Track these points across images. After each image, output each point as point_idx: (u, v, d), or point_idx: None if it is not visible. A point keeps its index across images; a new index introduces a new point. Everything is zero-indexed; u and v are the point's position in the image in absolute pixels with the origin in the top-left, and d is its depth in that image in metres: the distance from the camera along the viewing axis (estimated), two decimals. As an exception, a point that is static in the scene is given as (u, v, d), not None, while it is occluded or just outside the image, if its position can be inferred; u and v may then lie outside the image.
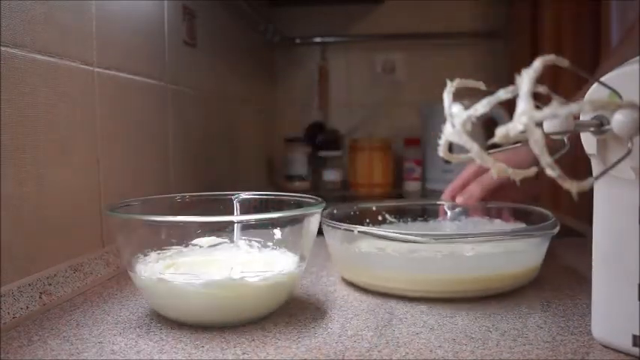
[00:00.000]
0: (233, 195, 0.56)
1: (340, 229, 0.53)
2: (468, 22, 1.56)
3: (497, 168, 0.30)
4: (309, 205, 0.50)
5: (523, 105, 0.28)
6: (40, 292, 0.49)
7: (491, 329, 0.42)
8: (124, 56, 0.69)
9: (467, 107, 0.32)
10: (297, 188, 1.46)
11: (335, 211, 0.62)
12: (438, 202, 0.68)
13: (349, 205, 0.66)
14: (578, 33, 1.24)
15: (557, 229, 0.51)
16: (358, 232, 0.51)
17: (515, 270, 0.51)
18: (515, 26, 1.46)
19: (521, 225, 0.60)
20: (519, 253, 0.51)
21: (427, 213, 0.68)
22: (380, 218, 0.67)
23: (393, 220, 0.67)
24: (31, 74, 0.51)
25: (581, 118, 0.36)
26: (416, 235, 0.48)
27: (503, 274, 0.50)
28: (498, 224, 0.63)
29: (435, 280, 0.49)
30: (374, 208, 0.68)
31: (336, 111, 1.65)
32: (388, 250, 0.50)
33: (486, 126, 1.34)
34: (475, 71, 1.55)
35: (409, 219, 0.68)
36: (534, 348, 0.39)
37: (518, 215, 0.62)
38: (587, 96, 0.37)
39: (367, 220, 0.66)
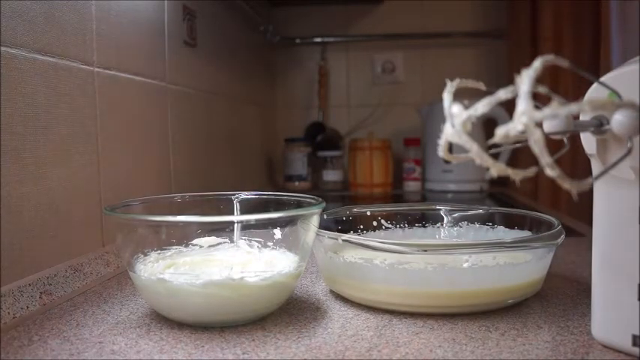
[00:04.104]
0: (233, 195, 0.56)
1: (324, 236, 0.49)
2: (468, 22, 1.56)
3: (496, 168, 0.30)
4: (309, 205, 0.50)
5: (523, 105, 0.28)
6: (40, 292, 0.49)
7: (491, 329, 0.42)
8: (124, 56, 0.69)
9: (467, 107, 0.32)
10: (297, 188, 1.46)
11: (325, 216, 0.58)
12: (438, 207, 0.64)
13: (342, 209, 0.63)
14: (578, 33, 1.24)
15: (561, 239, 0.47)
16: (342, 240, 0.48)
17: (516, 283, 0.46)
18: (515, 26, 1.46)
19: (527, 233, 0.56)
20: (521, 264, 0.47)
21: (426, 218, 0.64)
22: (375, 224, 0.63)
23: (389, 226, 0.63)
24: (31, 74, 0.51)
25: (581, 118, 0.36)
26: (402, 244, 0.44)
27: (502, 288, 0.46)
28: (501, 232, 0.59)
29: (425, 294, 0.45)
30: (368, 213, 0.63)
31: (336, 111, 1.65)
32: (376, 261, 0.46)
33: (486, 126, 1.34)
34: (475, 71, 1.55)
35: (406, 225, 0.64)
36: (534, 348, 0.39)
37: (525, 223, 0.57)
38: (586, 96, 0.37)
39: (360, 226, 0.62)
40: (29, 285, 0.49)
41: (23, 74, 0.50)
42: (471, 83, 0.37)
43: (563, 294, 0.51)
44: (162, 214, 0.54)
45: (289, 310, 0.47)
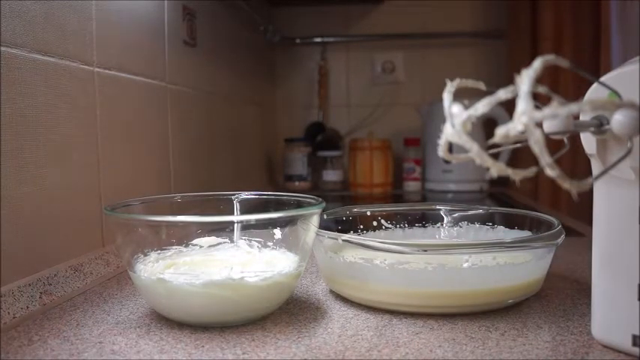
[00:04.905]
0: (233, 195, 0.56)
1: (324, 236, 0.49)
2: (468, 22, 1.56)
3: (496, 168, 0.30)
4: (309, 205, 0.50)
5: (523, 105, 0.28)
6: (40, 292, 0.49)
7: (491, 329, 0.42)
8: (124, 56, 0.69)
9: (467, 107, 0.32)
10: (297, 188, 1.46)
11: (325, 216, 0.58)
12: (438, 207, 0.64)
13: (342, 209, 0.63)
14: (578, 33, 1.24)
15: (561, 239, 0.47)
16: (342, 240, 0.47)
17: (516, 283, 0.46)
18: (515, 26, 1.46)
19: (527, 233, 0.56)
20: (521, 264, 0.46)
21: (426, 218, 0.64)
22: (375, 224, 0.63)
23: (389, 226, 0.63)
24: (31, 74, 0.51)
25: (581, 118, 0.36)
26: (402, 244, 0.44)
27: (502, 288, 0.46)
28: (501, 232, 0.59)
29: (425, 294, 0.45)
30: (368, 213, 0.63)
31: (336, 111, 1.65)
32: (376, 261, 0.46)
33: (486, 126, 1.34)
34: (475, 71, 1.55)
35: (406, 225, 0.64)
36: (534, 348, 0.39)
37: (525, 223, 0.57)
38: (586, 96, 0.37)
39: (361, 226, 0.62)
40: (29, 285, 0.49)
41: (23, 74, 0.50)
42: (471, 83, 0.37)
43: (563, 294, 0.51)
44: (163, 214, 0.54)
45: (289, 310, 0.47)
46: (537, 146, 0.28)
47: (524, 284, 0.47)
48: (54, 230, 0.54)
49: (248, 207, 0.56)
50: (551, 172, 0.29)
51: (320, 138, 1.55)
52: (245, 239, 0.51)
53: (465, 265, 0.46)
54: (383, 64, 1.61)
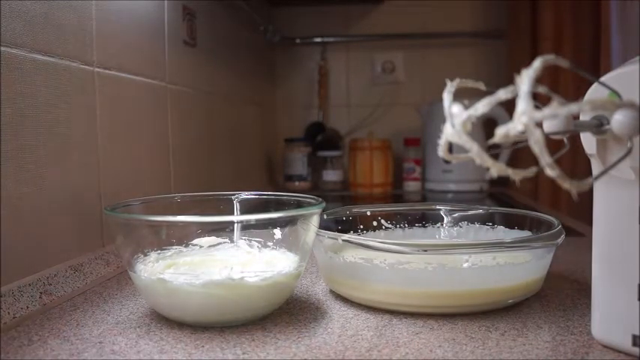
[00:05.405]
0: (233, 195, 0.56)
1: (324, 236, 0.49)
2: (468, 22, 1.56)
3: (496, 168, 0.30)
4: (309, 205, 0.50)
5: (523, 105, 0.28)
6: (40, 292, 0.49)
7: (491, 329, 0.42)
8: (124, 56, 0.69)
9: (467, 107, 0.32)
10: (297, 188, 1.46)
11: (325, 216, 0.58)
12: (438, 207, 0.64)
13: (342, 209, 0.63)
14: (578, 33, 1.24)
15: (561, 239, 0.47)
16: (342, 240, 0.47)
17: (516, 283, 0.46)
18: (515, 26, 1.46)
19: (527, 233, 0.56)
20: (520, 264, 0.46)
21: (426, 218, 0.64)
22: (375, 224, 0.63)
23: (389, 226, 0.63)
24: (32, 74, 0.51)
25: (581, 118, 0.36)
26: (402, 244, 0.44)
27: (502, 288, 0.46)
28: (501, 232, 0.59)
29: (425, 294, 0.45)
30: (368, 213, 0.63)
31: (336, 111, 1.65)
32: (376, 261, 0.46)
33: (486, 126, 1.34)
34: (475, 71, 1.55)
35: (406, 225, 0.64)
36: (534, 348, 0.39)
37: (525, 223, 0.57)
38: (586, 96, 0.37)
39: (360, 226, 0.62)
40: (29, 285, 0.49)
41: (23, 74, 0.50)
42: (471, 83, 0.37)
43: (563, 294, 0.51)
44: (162, 214, 0.54)
45: (289, 310, 0.47)
46: (537, 146, 0.28)
47: (524, 284, 0.47)
48: (54, 230, 0.54)
49: (248, 207, 0.56)
50: (551, 172, 0.29)
51: (320, 138, 1.55)
52: (245, 239, 0.51)
53: (465, 265, 0.46)
54: (383, 64, 1.61)
